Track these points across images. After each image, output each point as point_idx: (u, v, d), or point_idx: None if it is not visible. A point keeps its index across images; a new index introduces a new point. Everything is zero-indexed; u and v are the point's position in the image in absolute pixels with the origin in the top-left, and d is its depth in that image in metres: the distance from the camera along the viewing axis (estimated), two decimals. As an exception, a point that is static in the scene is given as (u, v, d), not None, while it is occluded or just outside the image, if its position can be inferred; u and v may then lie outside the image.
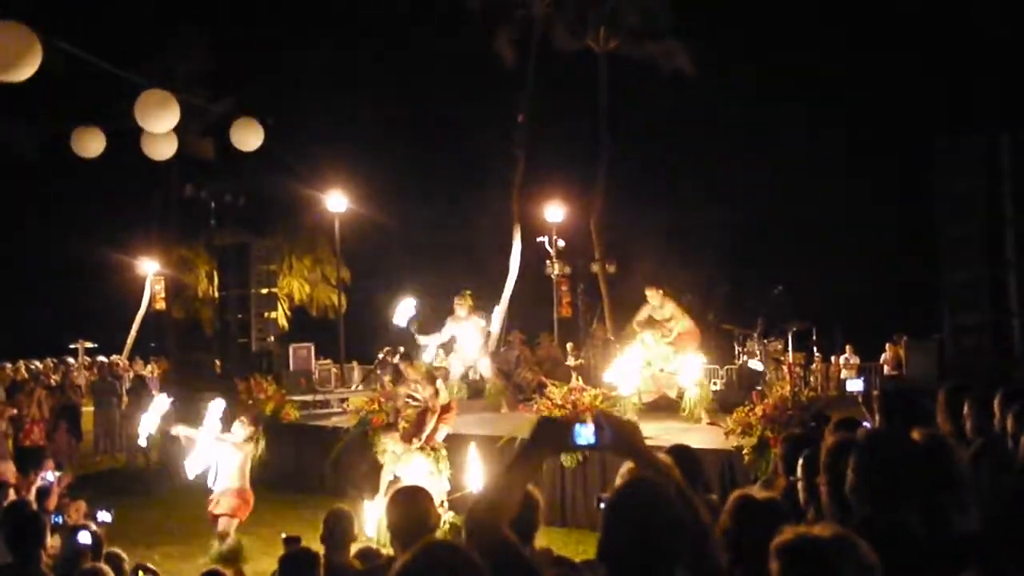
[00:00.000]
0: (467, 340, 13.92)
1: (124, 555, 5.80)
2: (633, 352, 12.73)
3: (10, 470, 9.75)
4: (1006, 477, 4.00)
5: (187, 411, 11.27)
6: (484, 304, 15.93)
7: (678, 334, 12.78)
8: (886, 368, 18.33)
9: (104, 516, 7.21)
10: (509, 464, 2.66)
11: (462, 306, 13.88)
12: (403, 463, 9.85)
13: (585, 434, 2.62)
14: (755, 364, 13.95)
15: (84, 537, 5.37)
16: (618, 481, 3.59)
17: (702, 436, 10.70)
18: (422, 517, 3.75)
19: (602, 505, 4.07)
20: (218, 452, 9.11)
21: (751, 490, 3.58)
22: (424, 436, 9.92)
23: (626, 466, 3.55)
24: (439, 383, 10.56)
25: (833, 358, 19.31)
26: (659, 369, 12.53)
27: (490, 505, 2.57)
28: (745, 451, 9.88)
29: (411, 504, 3.85)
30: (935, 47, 23.33)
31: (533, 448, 2.68)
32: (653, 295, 12.93)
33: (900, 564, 2.45)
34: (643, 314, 13.12)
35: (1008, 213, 10.41)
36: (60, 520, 6.77)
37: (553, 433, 2.71)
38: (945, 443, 3.38)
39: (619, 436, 2.65)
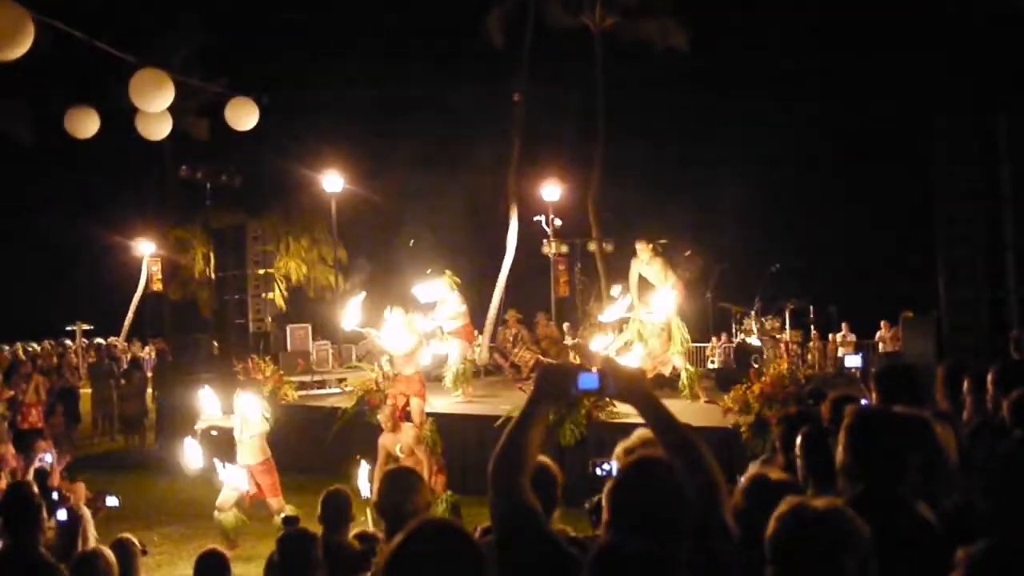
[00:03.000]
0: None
1: (134, 539, 5.76)
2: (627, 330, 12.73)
3: (10, 452, 9.74)
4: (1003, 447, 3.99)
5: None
6: (484, 283, 15.98)
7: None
8: (881, 345, 18.39)
9: (112, 501, 7.26)
10: (517, 417, 2.64)
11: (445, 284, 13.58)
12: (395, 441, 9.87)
13: (588, 381, 2.59)
14: (753, 340, 13.94)
15: (61, 514, 5.49)
16: (618, 450, 3.59)
17: (700, 414, 10.73)
18: (411, 498, 3.75)
19: (597, 471, 4.08)
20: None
21: (766, 470, 3.58)
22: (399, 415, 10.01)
23: (625, 442, 3.55)
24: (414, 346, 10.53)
25: (830, 336, 19.33)
26: (652, 344, 12.53)
27: (507, 458, 2.56)
28: (743, 429, 9.90)
29: (400, 485, 3.86)
30: (936, 27, 23.22)
31: (537, 397, 2.66)
32: (643, 248, 12.69)
33: (898, 540, 2.45)
34: (633, 273, 12.91)
35: (1006, 192, 10.42)
36: (56, 498, 6.78)
37: (556, 380, 2.67)
38: (925, 422, 3.38)
39: (625, 383, 2.61)
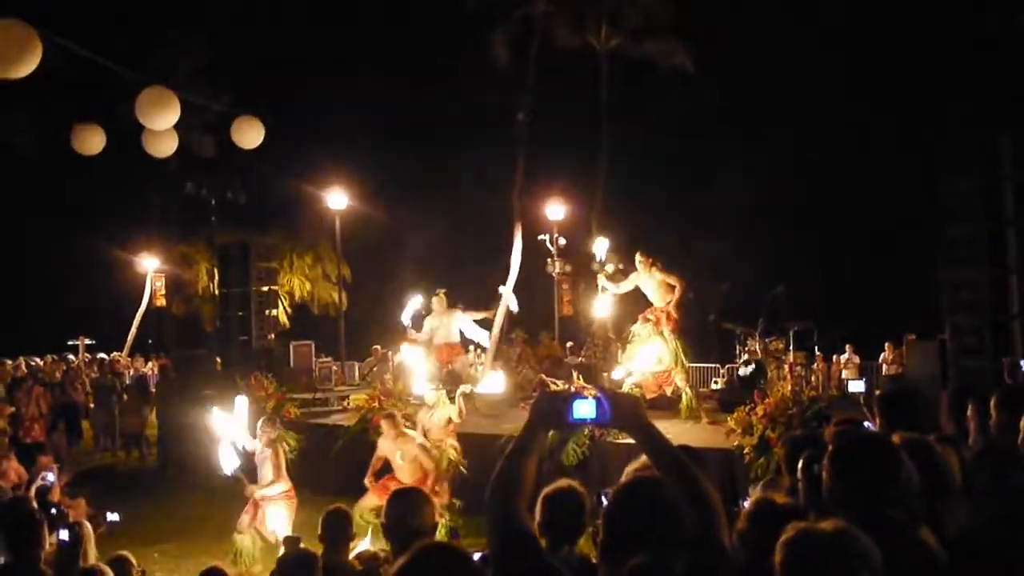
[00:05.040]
0: (452, 333, 14.52)
1: (132, 559, 5.73)
2: (641, 348, 12.74)
3: (13, 467, 9.71)
4: (1010, 474, 3.98)
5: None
6: (487, 302, 16.14)
7: (669, 317, 12.74)
8: (885, 367, 18.33)
9: (112, 516, 7.24)
10: (514, 443, 2.64)
11: (440, 302, 14.53)
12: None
13: (583, 410, 2.58)
14: (757, 362, 13.83)
15: (63, 534, 5.47)
16: (627, 471, 3.58)
17: (703, 435, 10.70)
18: (418, 518, 3.74)
19: (604, 502, 4.07)
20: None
21: (770, 494, 3.56)
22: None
23: (633, 464, 3.54)
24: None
25: (834, 357, 19.27)
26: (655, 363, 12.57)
27: (503, 483, 2.56)
28: (746, 450, 9.87)
29: (407, 505, 3.85)
30: (936, 46, 23.28)
31: (533, 425, 2.66)
32: (642, 261, 12.87)
33: (892, 567, 2.44)
34: (630, 281, 13.04)
35: (1009, 213, 10.41)
36: (57, 514, 6.78)
37: (550, 409, 2.67)
38: (929, 446, 3.36)
39: (621, 411, 2.61)
